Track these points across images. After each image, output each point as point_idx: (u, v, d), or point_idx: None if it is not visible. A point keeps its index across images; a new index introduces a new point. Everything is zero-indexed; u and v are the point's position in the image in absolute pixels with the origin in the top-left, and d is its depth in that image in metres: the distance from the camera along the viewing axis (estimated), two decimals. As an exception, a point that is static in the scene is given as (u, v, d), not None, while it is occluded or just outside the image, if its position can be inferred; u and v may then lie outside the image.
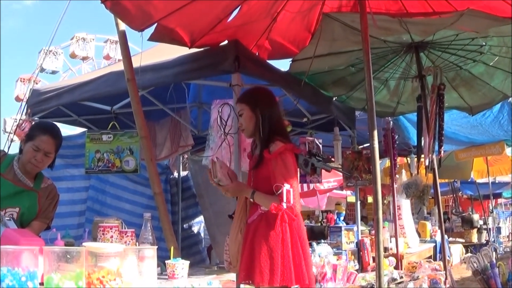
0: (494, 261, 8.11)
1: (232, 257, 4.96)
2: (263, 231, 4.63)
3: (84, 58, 52.67)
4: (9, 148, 9.01)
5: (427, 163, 7.43)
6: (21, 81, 49.94)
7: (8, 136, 9.52)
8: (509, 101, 10.19)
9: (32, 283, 3.03)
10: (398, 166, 12.32)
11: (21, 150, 4.97)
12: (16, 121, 9.93)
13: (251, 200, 4.81)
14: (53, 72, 51.06)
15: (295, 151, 4.89)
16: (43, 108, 7.84)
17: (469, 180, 20.57)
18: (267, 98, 5.07)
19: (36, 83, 16.33)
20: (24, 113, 8.22)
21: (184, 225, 10.85)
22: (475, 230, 18.72)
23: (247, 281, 4.82)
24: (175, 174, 10.92)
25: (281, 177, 4.59)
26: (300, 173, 8.08)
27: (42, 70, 44.58)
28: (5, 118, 46.97)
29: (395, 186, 11.21)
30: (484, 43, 7.04)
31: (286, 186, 4.50)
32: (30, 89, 8.71)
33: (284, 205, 4.47)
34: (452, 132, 11.88)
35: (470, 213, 20.23)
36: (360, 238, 9.75)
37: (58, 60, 51.79)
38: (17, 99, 46.88)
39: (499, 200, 30.41)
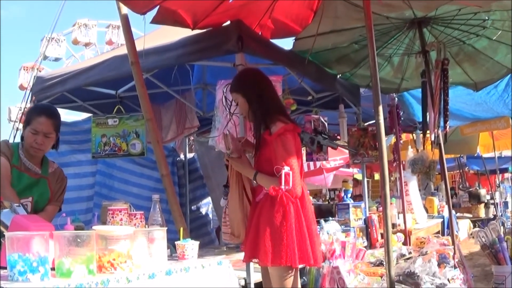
0: (502, 235, 8.14)
1: (237, 227, 4.98)
2: (267, 212, 4.68)
3: (86, 44, 52.70)
4: (15, 136, 9.05)
5: (433, 139, 7.43)
6: (24, 69, 49.99)
7: (14, 124, 9.56)
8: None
9: (43, 268, 3.04)
10: (402, 142, 12.26)
11: (22, 137, 4.99)
12: (21, 110, 9.95)
13: (254, 182, 4.85)
14: (56, 59, 51.12)
15: (296, 130, 4.90)
16: (48, 95, 7.84)
17: (475, 155, 20.55)
18: (254, 79, 5.11)
19: (40, 71, 16.33)
20: (29, 101, 8.23)
21: (192, 207, 10.88)
22: (482, 205, 18.72)
23: (251, 259, 4.88)
24: (182, 156, 10.95)
25: (281, 160, 4.62)
26: (306, 151, 8.10)
27: (45, 57, 44.53)
28: (10, 106, 47.23)
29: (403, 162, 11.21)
30: (486, 18, 7.02)
31: (286, 169, 4.53)
32: (34, 76, 8.71)
33: (283, 187, 4.50)
34: (457, 109, 11.86)
35: (477, 188, 20.25)
36: (368, 214, 9.77)
37: (60, 47, 51.87)
38: (21, 87, 46.91)
39: (506, 175, 30.39)
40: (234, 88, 5.13)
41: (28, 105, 8.22)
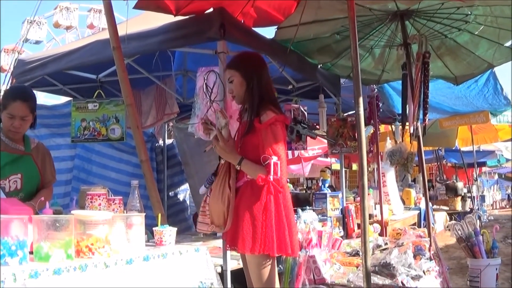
0: (478, 229, 8.20)
1: (218, 218, 4.91)
2: (248, 199, 4.67)
3: (67, 28, 52.35)
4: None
5: (411, 131, 7.45)
6: (5, 51, 49.66)
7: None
8: (493, 70, 10.22)
9: (22, 252, 3.04)
10: (379, 133, 12.32)
11: (0, 120, 5.04)
12: (0, 92, 9.90)
13: (237, 167, 4.82)
14: (37, 42, 50.85)
15: (286, 122, 4.89)
16: (28, 78, 7.81)
17: (453, 148, 20.67)
18: (257, 62, 5.04)
19: (20, 54, 16.26)
20: (9, 83, 8.20)
21: (170, 193, 10.88)
22: (459, 198, 18.88)
23: (232, 247, 4.86)
24: (161, 142, 10.94)
25: (270, 149, 4.57)
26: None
27: (26, 40, 44.36)
28: (-11, 88, 46.84)
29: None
30: (469, 12, 7.03)
31: (274, 159, 4.49)
32: (15, 59, 8.68)
33: (271, 177, 4.47)
34: (437, 102, 11.90)
35: (455, 181, 20.38)
36: (345, 205, 9.80)
37: (41, 30, 51.53)
38: (1, 69, 46.67)
39: (483, 169, 30.63)
40: (234, 65, 5.01)
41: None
